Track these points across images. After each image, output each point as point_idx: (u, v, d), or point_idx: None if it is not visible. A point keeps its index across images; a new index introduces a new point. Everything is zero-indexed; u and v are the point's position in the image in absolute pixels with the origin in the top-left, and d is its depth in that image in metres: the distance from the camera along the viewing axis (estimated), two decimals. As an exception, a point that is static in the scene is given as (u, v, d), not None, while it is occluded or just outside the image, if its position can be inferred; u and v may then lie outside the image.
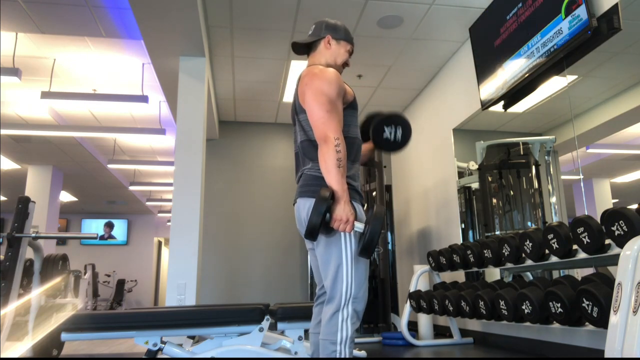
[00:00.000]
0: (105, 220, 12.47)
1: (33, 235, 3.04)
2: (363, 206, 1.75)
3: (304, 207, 1.71)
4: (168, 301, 3.61)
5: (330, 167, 1.58)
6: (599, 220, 2.21)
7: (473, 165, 4.27)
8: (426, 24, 4.02)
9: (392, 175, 6.23)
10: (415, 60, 4.63)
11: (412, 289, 3.97)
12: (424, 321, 4.11)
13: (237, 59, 4.59)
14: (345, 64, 1.91)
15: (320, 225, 1.54)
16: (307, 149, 1.76)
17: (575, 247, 2.41)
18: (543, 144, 3.71)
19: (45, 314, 3.24)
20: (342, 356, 1.55)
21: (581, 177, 2.95)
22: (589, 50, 2.78)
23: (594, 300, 2.10)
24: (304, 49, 1.92)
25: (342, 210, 1.55)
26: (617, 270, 1.73)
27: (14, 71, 4.30)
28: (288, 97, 5.42)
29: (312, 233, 1.55)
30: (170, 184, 9.07)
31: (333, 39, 1.86)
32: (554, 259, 2.56)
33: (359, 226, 1.60)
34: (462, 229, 4.33)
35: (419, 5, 3.76)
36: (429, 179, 5.09)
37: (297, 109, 1.79)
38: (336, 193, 1.57)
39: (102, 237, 12.35)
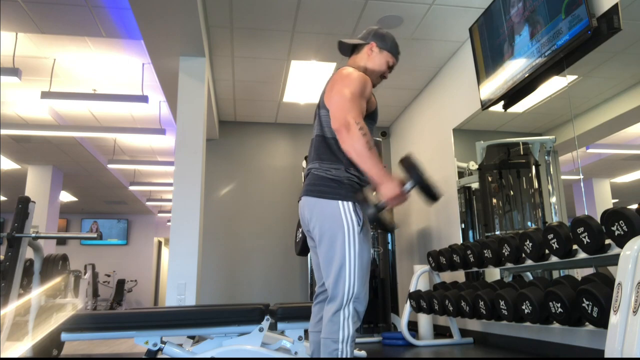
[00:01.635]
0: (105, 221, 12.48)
1: (33, 235, 3.04)
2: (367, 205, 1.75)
3: (307, 205, 1.72)
4: (168, 301, 3.61)
5: (361, 151, 1.56)
6: (599, 220, 2.21)
7: (473, 165, 4.27)
8: (426, 24, 4.02)
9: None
10: (415, 60, 4.63)
11: (412, 289, 3.97)
12: (424, 321, 4.11)
13: (237, 59, 4.59)
14: (382, 76, 1.92)
15: (380, 218, 1.59)
16: (319, 145, 1.77)
17: (575, 247, 2.41)
18: (543, 144, 3.71)
19: (45, 314, 3.25)
20: (344, 355, 1.56)
21: (581, 177, 2.95)
22: (589, 50, 2.78)
23: (594, 300, 2.10)
24: (348, 50, 1.96)
25: (388, 190, 1.55)
26: (617, 270, 1.73)
27: (14, 71, 4.30)
28: (288, 97, 5.42)
29: (386, 229, 1.64)
30: (170, 184, 9.07)
31: (377, 46, 1.89)
32: (554, 259, 2.56)
33: (408, 187, 1.60)
34: (462, 229, 4.33)
35: (419, 5, 3.76)
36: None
37: (320, 104, 1.82)
38: (375, 178, 1.57)
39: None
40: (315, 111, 1.88)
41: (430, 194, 1.61)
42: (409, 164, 1.61)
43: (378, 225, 1.67)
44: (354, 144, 1.56)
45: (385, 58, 1.90)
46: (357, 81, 1.71)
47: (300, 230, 2.06)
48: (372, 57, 1.88)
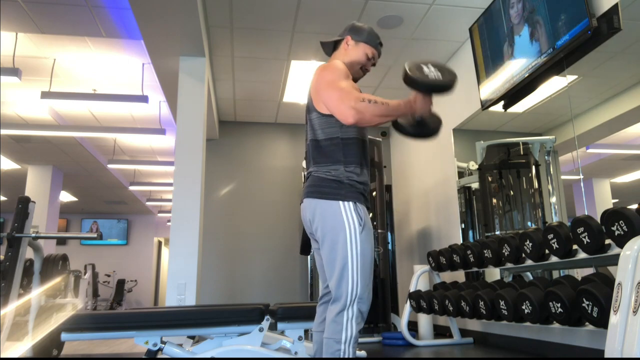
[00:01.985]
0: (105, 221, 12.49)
1: (33, 235, 3.03)
2: (369, 209, 1.75)
3: (310, 207, 1.72)
4: (168, 301, 3.61)
5: (386, 114, 1.63)
6: (599, 220, 2.20)
7: (473, 165, 4.27)
8: (426, 24, 4.02)
9: (392, 175, 6.23)
10: (415, 60, 4.62)
11: (412, 289, 3.97)
12: (424, 321, 4.11)
13: (237, 59, 4.59)
14: (364, 69, 1.91)
15: (426, 123, 1.75)
16: (314, 149, 1.77)
17: (575, 247, 2.41)
18: (543, 144, 3.70)
19: (45, 314, 3.25)
20: (346, 356, 1.56)
21: (581, 177, 2.95)
22: (589, 50, 2.78)
23: (594, 300, 2.10)
24: (329, 48, 1.96)
25: (417, 108, 1.69)
26: (617, 270, 1.73)
27: (14, 71, 4.30)
28: (288, 97, 5.42)
29: (430, 134, 1.79)
30: (170, 184, 9.07)
31: (352, 39, 1.88)
32: (554, 259, 2.56)
33: (422, 91, 1.68)
34: (462, 229, 4.33)
35: (419, 5, 3.76)
36: (429, 179, 5.09)
37: (309, 107, 1.82)
38: (406, 112, 1.69)
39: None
40: (305, 116, 1.87)
41: (440, 86, 1.65)
42: (409, 80, 1.68)
43: (428, 131, 1.79)
44: (375, 118, 1.61)
45: (363, 50, 1.88)
46: (337, 69, 1.72)
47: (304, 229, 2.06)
48: (348, 51, 1.87)
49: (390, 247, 4.87)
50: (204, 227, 5.21)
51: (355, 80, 1.87)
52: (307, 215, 1.74)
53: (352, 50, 1.87)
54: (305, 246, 1.96)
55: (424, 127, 1.78)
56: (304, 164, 5.51)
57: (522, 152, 4.02)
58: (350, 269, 1.61)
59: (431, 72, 1.64)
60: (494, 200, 4.10)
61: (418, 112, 1.70)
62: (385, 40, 4.24)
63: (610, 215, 2.09)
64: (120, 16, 3.85)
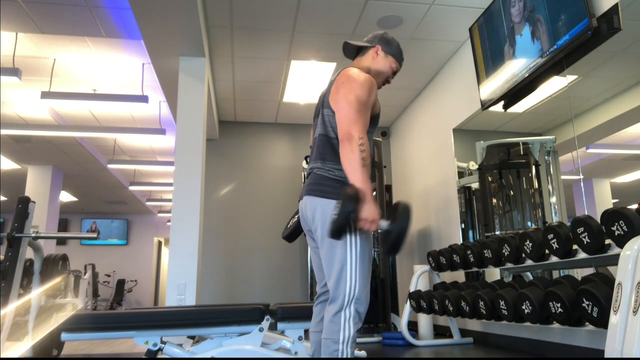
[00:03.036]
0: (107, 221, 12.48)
1: (33, 235, 3.04)
2: None
3: (310, 205, 1.72)
4: (168, 301, 3.61)
5: (355, 165, 1.57)
6: (599, 220, 2.20)
7: (473, 165, 4.27)
8: (426, 24, 4.02)
9: (392, 175, 6.23)
10: (415, 60, 4.63)
11: (412, 289, 3.97)
12: (424, 321, 4.11)
13: (237, 59, 4.59)
14: (386, 81, 1.93)
15: (347, 225, 1.52)
16: (322, 144, 1.77)
17: (575, 247, 2.41)
18: (543, 144, 3.70)
19: (45, 314, 3.25)
20: (344, 356, 1.56)
21: (581, 177, 2.95)
22: (589, 50, 2.78)
23: (594, 300, 2.10)
24: (352, 52, 1.95)
25: (368, 210, 1.53)
26: (617, 270, 1.73)
27: (14, 71, 4.30)
28: (288, 97, 5.42)
29: (339, 232, 1.53)
30: (170, 184, 9.07)
31: (382, 50, 1.89)
32: (554, 259, 2.56)
33: (384, 224, 1.58)
34: (462, 229, 4.33)
35: (419, 5, 3.76)
36: (429, 179, 5.09)
37: (324, 104, 1.81)
38: (361, 193, 1.54)
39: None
40: (318, 109, 1.87)
41: (394, 247, 1.56)
42: (403, 211, 1.57)
43: (338, 233, 1.54)
44: (351, 158, 1.57)
45: (390, 63, 1.90)
46: (364, 86, 1.69)
47: (295, 218, 2.05)
48: (377, 60, 1.88)
49: (390, 247, 4.86)
50: (204, 227, 5.21)
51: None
52: (308, 213, 1.74)
53: (381, 61, 1.89)
54: (293, 234, 1.96)
55: (344, 223, 1.55)
56: (304, 163, 5.51)
57: (522, 152, 4.02)
58: (349, 270, 1.61)
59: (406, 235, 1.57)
60: (494, 200, 4.10)
61: (362, 209, 1.52)
62: (385, 40, 4.25)
63: (610, 215, 2.09)
64: (120, 16, 3.85)
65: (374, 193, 4.63)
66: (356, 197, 1.52)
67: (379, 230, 1.57)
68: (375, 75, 1.85)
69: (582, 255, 2.35)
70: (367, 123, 1.70)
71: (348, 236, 1.63)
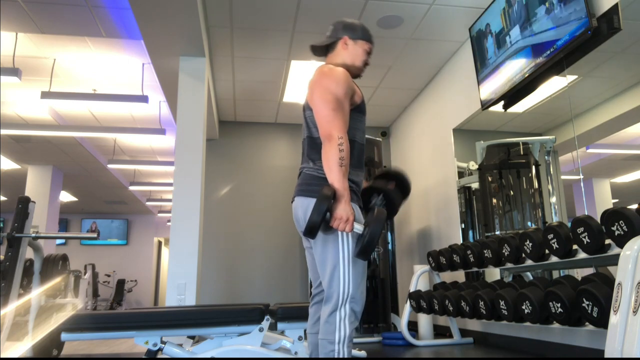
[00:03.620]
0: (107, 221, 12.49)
1: (33, 235, 3.04)
2: (361, 209, 1.75)
3: (301, 206, 1.71)
4: (168, 301, 3.61)
5: (332, 165, 1.58)
6: (599, 220, 2.21)
7: (473, 165, 4.27)
8: (426, 24, 4.02)
9: (392, 175, 6.21)
10: (415, 60, 4.63)
11: (412, 289, 3.97)
12: (424, 321, 4.11)
13: (237, 59, 4.59)
14: (365, 64, 1.90)
15: (321, 224, 1.53)
16: (309, 146, 1.77)
17: (575, 247, 2.41)
18: (543, 144, 3.71)
19: (45, 314, 3.25)
20: (340, 356, 1.56)
21: (581, 177, 2.95)
22: (589, 50, 2.78)
23: (594, 300, 2.10)
24: (322, 51, 1.92)
25: (342, 210, 1.55)
26: (617, 270, 1.73)
27: (14, 71, 4.30)
28: (288, 97, 5.42)
29: (311, 231, 1.54)
30: (170, 184, 9.07)
31: (350, 39, 1.85)
32: (554, 259, 2.56)
33: (358, 227, 1.59)
34: (462, 229, 4.33)
35: (419, 5, 3.76)
36: (429, 179, 5.09)
37: (305, 106, 1.81)
38: (337, 192, 1.56)
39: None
40: (303, 113, 1.86)
41: (364, 252, 1.56)
42: (377, 216, 1.56)
43: (311, 232, 1.54)
44: (329, 157, 1.59)
45: (361, 47, 1.86)
46: (339, 81, 1.69)
47: None
48: (349, 51, 1.85)
49: (390, 247, 4.87)
50: (204, 227, 5.20)
51: (358, 75, 1.87)
52: (299, 214, 1.73)
53: (353, 50, 1.85)
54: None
55: (319, 219, 1.53)
56: (304, 164, 5.50)
57: (522, 152, 4.02)
58: (342, 269, 1.60)
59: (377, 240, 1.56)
60: (494, 200, 4.10)
61: (337, 207, 1.55)
62: (385, 40, 4.25)
63: (610, 215, 2.09)
64: (120, 16, 3.85)
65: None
66: (332, 196, 1.54)
67: (352, 227, 1.57)
68: (352, 66, 1.84)
69: (582, 255, 2.35)
70: (347, 117, 1.69)
71: (340, 235, 1.62)
